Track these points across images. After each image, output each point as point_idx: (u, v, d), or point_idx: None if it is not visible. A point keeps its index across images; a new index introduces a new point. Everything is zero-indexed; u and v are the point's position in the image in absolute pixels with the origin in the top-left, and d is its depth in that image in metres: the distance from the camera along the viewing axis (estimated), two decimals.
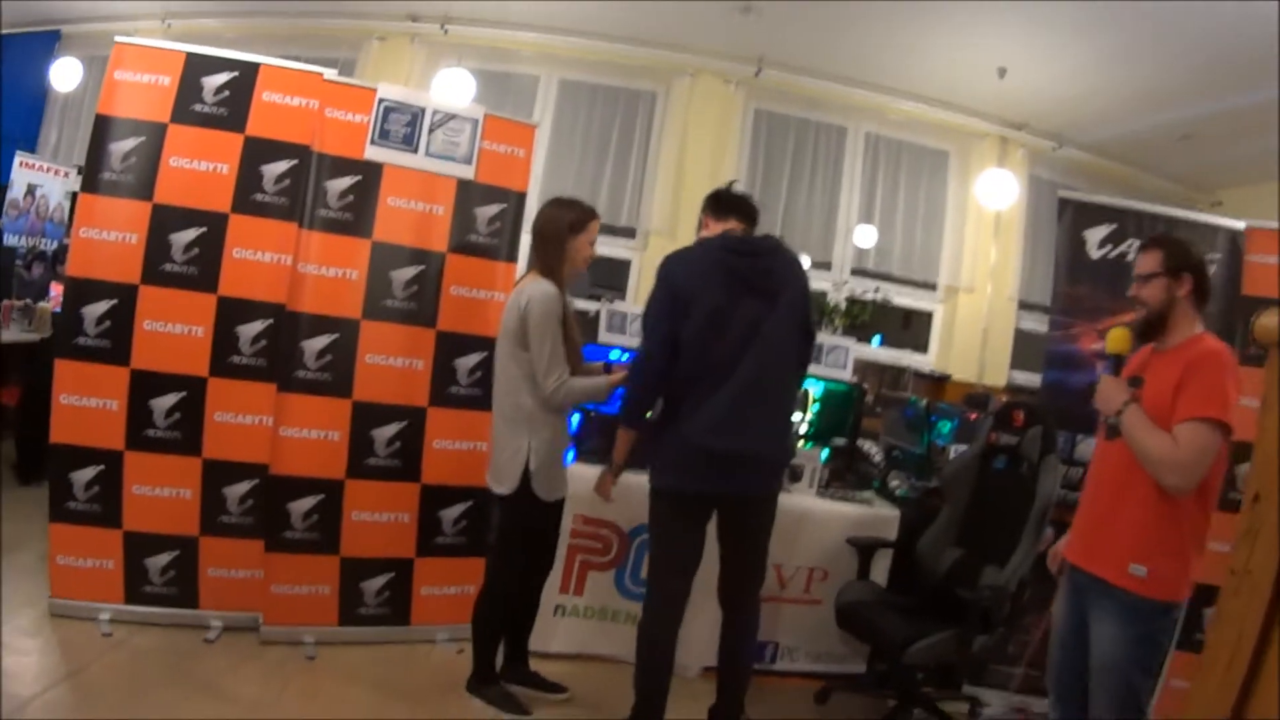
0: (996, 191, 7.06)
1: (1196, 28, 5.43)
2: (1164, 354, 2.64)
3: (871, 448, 5.26)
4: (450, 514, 4.11)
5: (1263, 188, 7.60)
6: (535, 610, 3.81)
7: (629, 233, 7.20)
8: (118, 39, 3.80)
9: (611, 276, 7.15)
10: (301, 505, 3.84)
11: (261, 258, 3.79)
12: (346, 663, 3.75)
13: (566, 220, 3.40)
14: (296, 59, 4.04)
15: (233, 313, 3.79)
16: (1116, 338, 2.72)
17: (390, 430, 3.97)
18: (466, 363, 4.10)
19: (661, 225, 6.99)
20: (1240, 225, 4.40)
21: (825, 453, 4.66)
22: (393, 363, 3.96)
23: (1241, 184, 8.10)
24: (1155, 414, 2.50)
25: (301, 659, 3.71)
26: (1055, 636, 2.94)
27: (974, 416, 5.12)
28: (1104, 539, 2.65)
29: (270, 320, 3.81)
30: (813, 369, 4.93)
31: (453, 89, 6.27)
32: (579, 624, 4.18)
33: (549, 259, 3.37)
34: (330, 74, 3.94)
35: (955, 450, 4.91)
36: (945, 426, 5.06)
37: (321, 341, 3.82)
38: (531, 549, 3.60)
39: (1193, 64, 5.94)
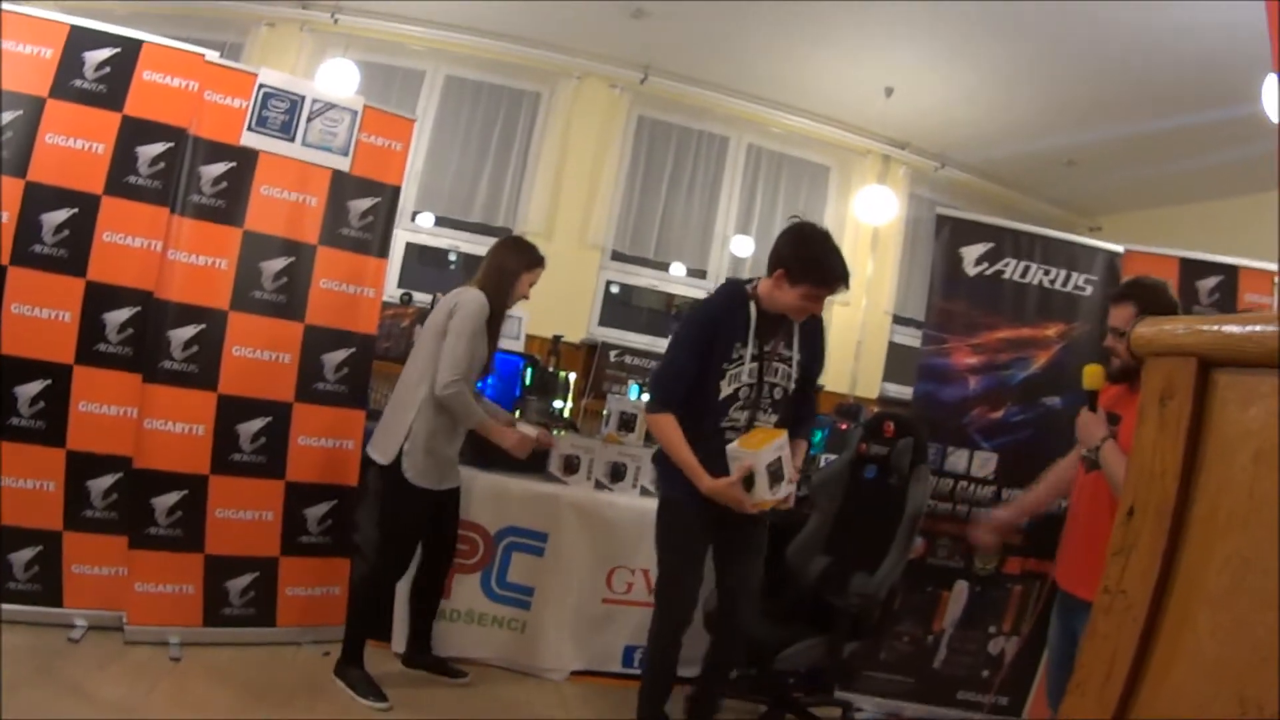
0: (876, 208, 7.67)
1: (1082, 57, 6.00)
2: (1139, 392, 3.16)
3: None
4: (315, 512, 4.38)
5: (1141, 214, 8.47)
6: (438, 598, 4.32)
7: (505, 233, 7.38)
8: (4, 7, 3.87)
9: None
10: (165, 501, 4.04)
11: (132, 242, 3.98)
12: (212, 664, 3.95)
13: (523, 261, 4.12)
14: (185, 40, 4.19)
15: (101, 298, 3.95)
16: (1091, 374, 3.09)
17: (255, 425, 4.22)
18: (334, 358, 4.39)
19: (538, 227, 7.37)
20: (1119, 249, 4.94)
21: None
22: (259, 356, 4.23)
23: (1121, 210, 8.89)
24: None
25: (166, 660, 3.90)
26: (1051, 657, 3.39)
27: (845, 426, 5.68)
28: (1087, 563, 3.07)
29: (138, 308, 4.00)
30: None
31: (337, 79, 6.48)
32: (447, 627, 4.48)
33: (494, 283, 4.01)
34: (212, 56, 4.14)
35: (825, 459, 5.42)
36: (816, 436, 5.51)
37: (188, 332, 4.05)
38: (428, 538, 4.13)
39: (1078, 93, 6.52)
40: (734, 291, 3.65)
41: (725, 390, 3.54)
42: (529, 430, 4.23)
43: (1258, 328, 0.99)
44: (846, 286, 3.57)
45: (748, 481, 3.39)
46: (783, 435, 3.50)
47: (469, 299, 3.96)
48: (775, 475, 3.44)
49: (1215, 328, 1.05)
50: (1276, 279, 4.81)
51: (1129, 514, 1.14)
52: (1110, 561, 1.15)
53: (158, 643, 4.00)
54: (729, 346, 3.54)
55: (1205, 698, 0.98)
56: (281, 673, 4.06)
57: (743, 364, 3.55)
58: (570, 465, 4.79)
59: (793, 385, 3.66)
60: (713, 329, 3.56)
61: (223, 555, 4.20)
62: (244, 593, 4.26)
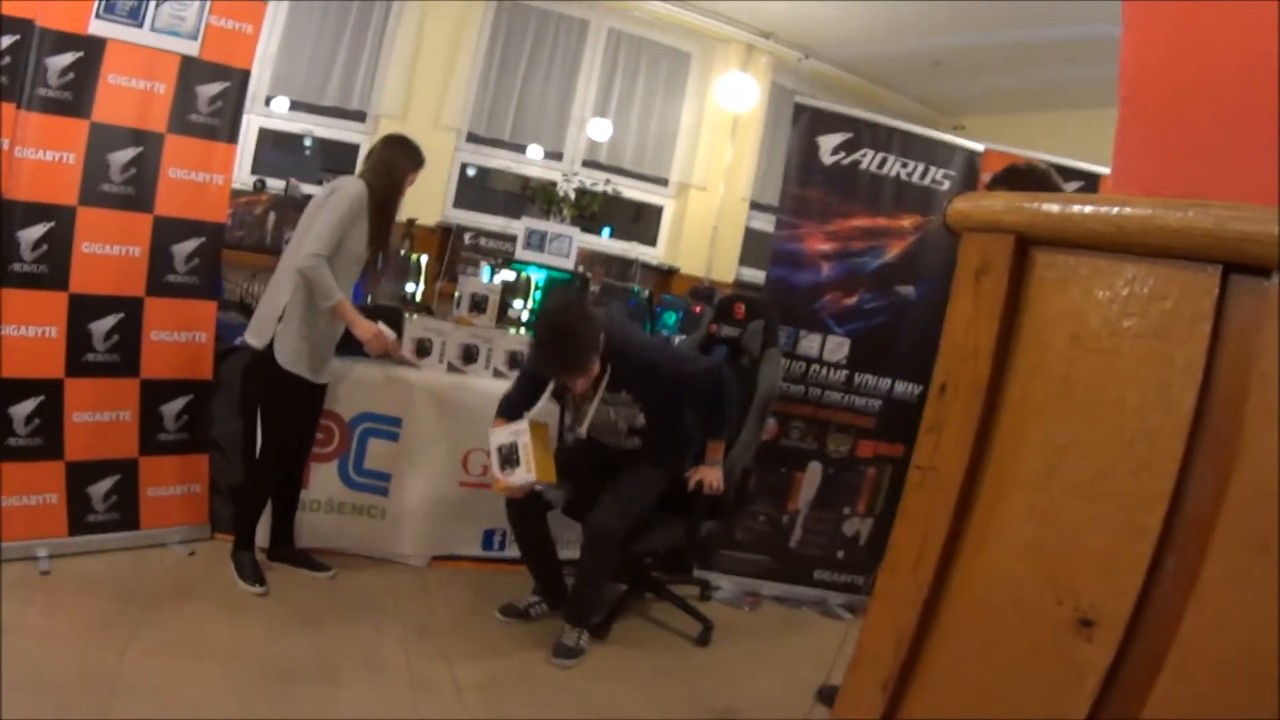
0: (736, 95, 8.03)
1: None
2: None
3: None
4: (171, 409, 4.47)
5: (1005, 118, 8.88)
6: (297, 492, 4.50)
7: (359, 116, 7.62)
8: None
9: (339, 160, 7.53)
10: (23, 409, 4.04)
11: None
12: (81, 574, 4.02)
13: (410, 160, 4.33)
14: None
15: None
16: None
17: (108, 323, 4.25)
18: (184, 249, 4.42)
19: (392, 110, 7.47)
20: (979, 147, 5.22)
21: None
22: (109, 251, 4.24)
23: (985, 112, 9.32)
24: None
25: (37, 574, 3.95)
26: None
27: (699, 309, 5.91)
28: None
29: None
30: (536, 257, 5.60)
31: None
32: (307, 518, 4.64)
33: (383, 180, 4.16)
34: None
35: (679, 340, 5.59)
36: (670, 317, 5.85)
37: (37, 231, 4.02)
38: (279, 419, 4.27)
39: None
40: None
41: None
42: (388, 332, 4.38)
43: (1078, 207, 1.01)
44: (569, 376, 4.11)
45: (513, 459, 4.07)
46: (521, 423, 4.12)
47: (349, 183, 4.12)
48: (508, 459, 4.03)
49: (1035, 205, 1.07)
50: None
51: (941, 390, 1.15)
52: (922, 438, 1.17)
53: (27, 557, 4.04)
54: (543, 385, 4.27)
55: (1019, 580, 1.03)
56: (149, 576, 4.19)
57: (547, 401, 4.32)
58: (423, 348, 4.93)
59: (635, 416, 4.40)
60: (531, 368, 4.35)
61: (83, 461, 4.26)
62: (106, 497, 4.33)
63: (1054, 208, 1.04)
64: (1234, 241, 0.84)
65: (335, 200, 4.07)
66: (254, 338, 4.19)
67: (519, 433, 4.06)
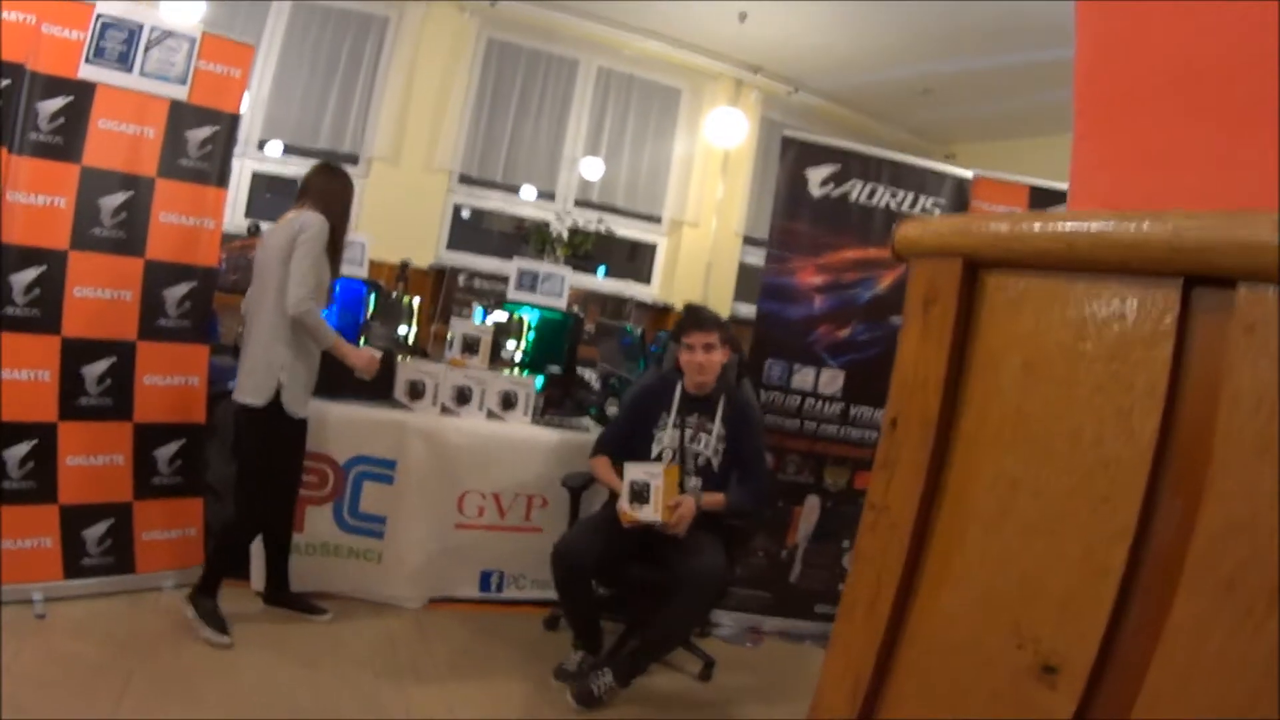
0: (726, 130, 8.00)
1: None
2: None
3: (590, 375, 5.92)
4: (165, 453, 4.42)
5: (995, 144, 8.84)
6: (291, 532, 4.41)
7: (352, 159, 7.55)
8: None
9: None
10: (16, 452, 3.98)
11: None
12: (77, 618, 3.94)
13: (350, 186, 4.33)
14: None
15: None
16: None
17: (100, 367, 4.21)
18: (175, 293, 4.40)
19: (385, 152, 7.46)
20: (968, 174, 5.19)
21: (540, 380, 5.21)
22: (101, 295, 4.20)
23: (975, 139, 9.31)
24: None
25: (32, 618, 3.87)
26: None
27: None
28: None
29: None
30: (528, 297, 5.51)
31: (181, 7, 6.27)
32: (302, 561, 4.54)
33: (336, 211, 4.09)
34: None
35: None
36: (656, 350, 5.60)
37: (30, 275, 3.99)
38: (283, 467, 4.19)
39: (934, 23, 6.69)
40: (667, 375, 4.55)
41: (654, 450, 4.40)
42: (374, 351, 4.39)
43: (1026, 225, 0.95)
44: (702, 329, 4.33)
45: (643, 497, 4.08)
46: (657, 466, 4.16)
47: (312, 220, 4.04)
48: (639, 495, 4.05)
49: (983, 226, 1.01)
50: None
51: (892, 425, 1.09)
52: (875, 476, 1.11)
53: (22, 601, 3.96)
54: (657, 416, 4.42)
55: (977, 624, 0.96)
56: (144, 620, 4.10)
57: (666, 429, 4.40)
58: (416, 391, 4.87)
59: (718, 457, 4.36)
60: (643, 400, 4.55)
61: (77, 504, 4.20)
62: (101, 541, 4.26)
63: (1002, 227, 0.97)
64: (1194, 252, 0.76)
65: (308, 241, 4.00)
66: (253, 397, 4.06)
67: (654, 475, 4.10)
